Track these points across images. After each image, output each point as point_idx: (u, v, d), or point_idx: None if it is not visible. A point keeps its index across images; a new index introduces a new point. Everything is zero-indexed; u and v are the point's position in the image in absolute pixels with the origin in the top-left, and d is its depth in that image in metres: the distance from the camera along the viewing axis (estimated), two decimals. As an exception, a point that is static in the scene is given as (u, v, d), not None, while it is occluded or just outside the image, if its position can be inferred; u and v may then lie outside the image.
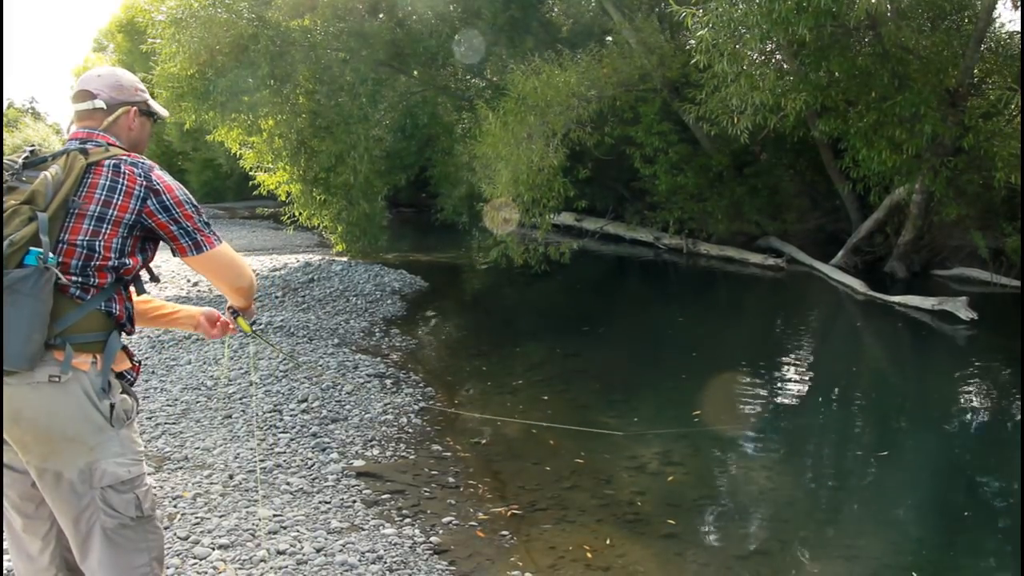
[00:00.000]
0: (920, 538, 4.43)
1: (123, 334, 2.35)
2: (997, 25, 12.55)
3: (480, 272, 15.18)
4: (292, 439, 5.50)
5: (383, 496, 4.66)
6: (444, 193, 18.64)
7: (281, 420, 5.87)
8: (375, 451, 5.40)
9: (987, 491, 5.38)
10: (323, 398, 6.37)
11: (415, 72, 16.50)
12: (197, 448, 5.28)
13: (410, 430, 5.90)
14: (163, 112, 2.65)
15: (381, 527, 4.21)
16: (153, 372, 7.21)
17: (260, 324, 8.89)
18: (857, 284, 12.20)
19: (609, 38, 15.97)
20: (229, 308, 2.78)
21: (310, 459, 5.16)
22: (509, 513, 4.55)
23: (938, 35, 11.78)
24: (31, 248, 2.07)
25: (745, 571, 4.01)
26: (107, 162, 2.27)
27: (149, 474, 4.55)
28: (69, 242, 2.18)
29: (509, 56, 15.68)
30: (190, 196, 2.39)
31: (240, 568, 3.66)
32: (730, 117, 11.57)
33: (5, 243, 2.04)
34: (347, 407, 6.25)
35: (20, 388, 2.10)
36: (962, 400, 7.44)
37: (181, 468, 4.93)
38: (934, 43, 11.68)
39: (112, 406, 2.23)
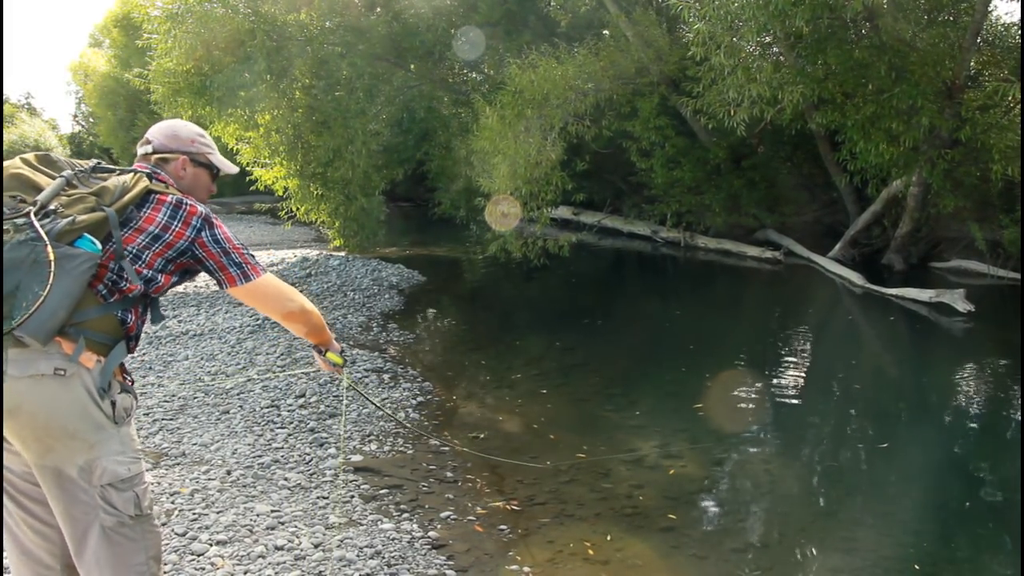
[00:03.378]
0: (919, 531, 4.43)
1: (127, 350, 2.36)
2: (994, 17, 12.54)
3: (478, 266, 15.17)
4: (290, 434, 5.49)
5: (381, 491, 4.66)
6: (442, 187, 18.61)
7: (279, 415, 5.86)
8: (373, 446, 5.40)
9: (986, 483, 5.38)
10: (320, 393, 6.36)
11: (412, 66, 16.46)
12: (195, 444, 5.28)
13: (408, 424, 5.89)
14: (228, 168, 2.77)
15: (379, 522, 4.21)
16: (151, 368, 7.20)
17: (257, 320, 8.88)
18: (855, 276, 12.21)
19: (606, 32, 15.92)
20: (312, 346, 2.84)
21: (308, 454, 5.16)
22: (507, 507, 4.55)
23: (935, 27, 11.77)
24: (85, 234, 2.16)
25: (744, 564, 4.01)
26: (171, 197, 2.40)
27: (147, 470, 4.55)
28: (121, 244, 2.28)
29: (506, 50, 15.65)
30: (240, 240, 2.53)
31: (238, 564, 3.66)
32: (727, 110, 11.57)
33: (66, 219, 2.13)
34: (345, 402, 6.25)
35: (21, 381, 2.13)
36: (960, 393, 7.45)
37: (179, 464, 4.92)
38: (931, 36, 11.67)
39: (113, 404, 2.27)
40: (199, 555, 3.71)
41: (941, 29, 11.61)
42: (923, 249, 13.76)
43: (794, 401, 7.07)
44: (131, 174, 2.39)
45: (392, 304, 10.82)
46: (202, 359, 7.51)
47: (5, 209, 2.12)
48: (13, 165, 2.27)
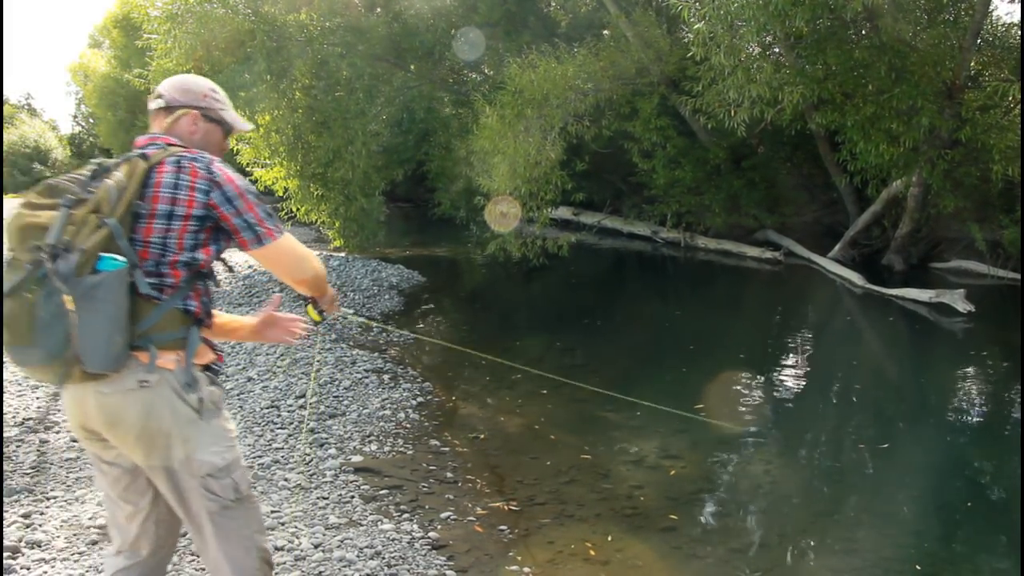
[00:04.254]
0: (919, 531, 4.43)
1: (203, 328, 2.40)
2: (994, 17, 12.55)
3: (478, 266, 15.17)
4: (290, 435, 5.49)
5: (381, 491, 4.66)
6: (442, 188, 18.61)
7: (279, 416, 5.86)
8: (373, 446, 5.39)
9: (986, 483, 5.38)
10: (321, 393, 6.36)
11: (412, 67, 16.47)
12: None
13: (408, 425, 5.89)
14: (240, 125, 2.67)
15: (379, 522, 4.21)
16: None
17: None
18: (855, 277, 12.21)
19: (606, 32, 15.93)
20: (300, 297, 2.76)
21: (308, 455, 5.16)
22: (507, 508, 4.55)
23: (935, 28, 11.78)
24: (102, 254, 2.14)
25: (744, 564, 4.01)
26: (168, 160, 2.31)
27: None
28: (143, 242, 2.25)
29: (506, 50, 15.66)
30: (251, 187, 2.41)
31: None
32: (727, 110, 11.58)
33: (76, 252, 2.10)
34: (345, 402, 6.25)
35: (113, 396, 2.23)
36: (960, 393, 7.45)
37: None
38: (931, 36, 11.69)
39: (200, 399, 2.33)
40: (198, 555, 3.70)
41: (941, 29, 11.62)
42: (923, 249, 13.76)
43: (794, 401, 7.06)
44: (126, 163, 2.30)
45: (392, 304, 10.82)
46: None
47: (27, 265, 2.12)
48: (19, 216, 2.22)
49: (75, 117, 50.16)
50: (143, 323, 2.21)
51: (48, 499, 4.31)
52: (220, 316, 2.66)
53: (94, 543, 3.80)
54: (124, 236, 2.19)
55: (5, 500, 4.22)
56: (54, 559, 3.63)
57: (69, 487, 4.50)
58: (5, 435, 5.19)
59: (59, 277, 2.07)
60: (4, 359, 2.15)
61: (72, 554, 3.68)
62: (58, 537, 3.84)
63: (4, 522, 3.92)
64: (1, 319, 2.11)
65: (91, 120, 46.34)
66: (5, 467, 4.69)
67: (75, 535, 3.88)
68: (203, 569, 3.61)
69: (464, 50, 16.30)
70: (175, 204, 2.27)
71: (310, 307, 2.77)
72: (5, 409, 5.69)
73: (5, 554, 3.61)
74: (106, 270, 2.12)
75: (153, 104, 2.53)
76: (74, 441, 5.18)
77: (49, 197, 2.23)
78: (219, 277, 2.51)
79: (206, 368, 2.44)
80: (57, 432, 5.37)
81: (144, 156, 2.32)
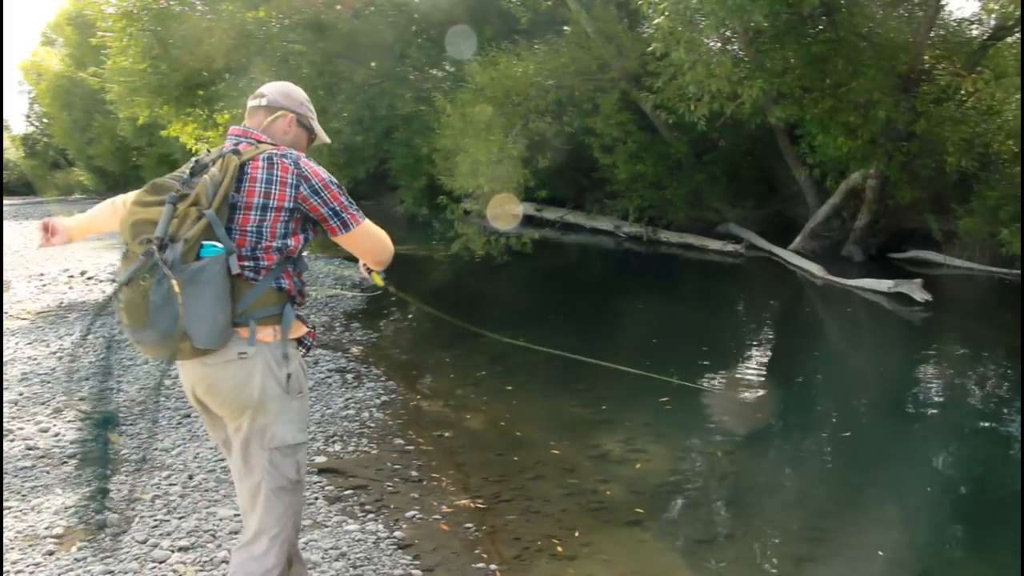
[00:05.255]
0: (880, 517, 4.48)
1: (295, 305, 2.66)
2: (946, 12, 12.74)
3: (442, 264, 15.12)
4: (253, 437, 5.42)
5: (346, 492, 4.62)
6: (404, 185, 18.52)
7: (241, 418, 5.78)
8: (337, 447, 5.35)
9: (946, 469, 5.47)
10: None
11: (373, 64, 16.35)
12: (156, 449, 5.19)
13: (372, 424, 5.85)
14: (323, 136, 2.94)
15: (344, 523, 4.17)
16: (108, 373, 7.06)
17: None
18: (815, 268, 12.35)
19: (567, 28, 15.94)
20: (365, 266, 3.05)
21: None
22: (473, 505, 4.54)
23: (890, 22, 11.94)
24: (203, 242, 2.40)
25: (710, 556, 4.03)
26: (261, 156, 2.57)
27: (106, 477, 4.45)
28: (240, 230, 2.51)
29: (468, 47, 15.60)
30: (333, 178, 2.67)
31: (200, 570, 3.61)
32: (688, 105, 11.65)
33: (180, 242, 2.36)
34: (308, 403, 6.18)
35: (215, 367, 2.51)
36: (920, 380, 7.56)
37: (139, 470, 4.83)
38: (887, 30, 11.85)
39: (289, 376, 2.58)
40: (161, 562, 3.65)
41: (895, 24, 11.78)
42: (881, 240, 13.95)
43: (756, 393, 7.12)
44: (220, 159, 2.54)
45: (355, 303, 10.74)
46: (161, 362, 7.38)
47: (140, 256, 2.37)
48: (132, 213, 2.48)
49: (28, 117, 49.25)
50: (242, 302, 2.49)
51: (3, 510, 4.21)
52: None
53: (50, 553, 3.73)
54: (221, 225, 2.44)
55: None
56: (7, 571, 3.55)
57: (24, 496, 4.41)
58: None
59: (167, 265, 2.33)
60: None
61: (28, 565, 3.60)
62: (12, 549, 3.76)
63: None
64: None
65: (45, 120, 45.52)
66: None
67: (30, 546, 3.79)
68: (164, 575, 3.56)
69: (426, 47, 16.22)
70: (268, 197, 2.54)
71: (375, 274, 3.05)
72: (-42, 417, 5.56)
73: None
74: (207, 256, 2.40)
75: (254, 102, 2.78)
76: (29, 450, 5.08)
77: (155, 194, 2.50)
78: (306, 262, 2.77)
79: (299, 342, 2.70)
80: (12, 440, 5.26)
81: (236, 152, 2.57)
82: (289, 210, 2.56)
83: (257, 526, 2.60)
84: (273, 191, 2.54)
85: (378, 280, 3.07)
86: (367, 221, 2.73)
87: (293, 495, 2.65)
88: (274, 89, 2.81)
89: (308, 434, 2.71)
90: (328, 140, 3.03)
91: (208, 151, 2.69)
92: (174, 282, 2.31)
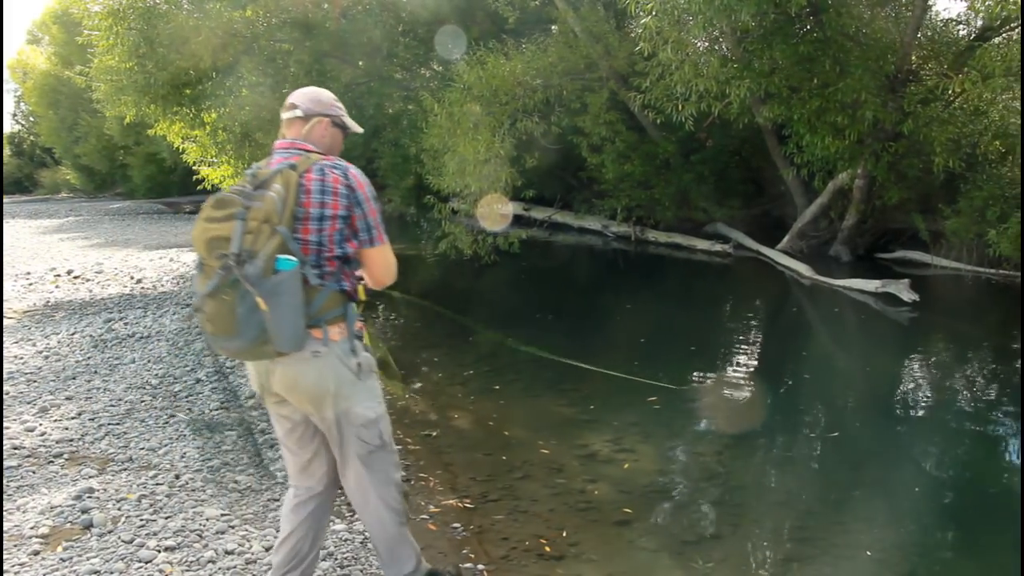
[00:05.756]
0: (868, 517, 4.49)
1: (356, 303, 2.93)
2: (933, 12, 12.80)
3: (429, 263, 15.10)
4: (239, 436, 5.41)
5: (334, 492, 4.59)
6: (392, 184, 18.49)
7: (228, 417, 5.77)
8: (325, 447, 5.32)
9: (933, 469, 5.49)
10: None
11: (360, 63, 16.31)
12: (142, 448, 5.17)
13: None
14: (355, 128, 3.15)
15: (331, 523, 4.15)
16: (96, 372, 7.04)
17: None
18: (803, 268, 12.39)
19: (555, 27, 15.94)
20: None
21: (258, 456, 5.08)
22: (461, 505, 4.53)
23: (877, 22, 11.98)
24: (279, 256, 2.61)
25: (698, 556, 4.03)
26: (314, 168, 2.80)
27: (92, 477, 4.46)
28: (303, 240, 2.74)
29: (455, 46, 15.58)
30: (375, 192, 2.94)
31: (187, 570, 3.59)
32: (675, 104, 11.66)
33: (260, 258, 2.58)
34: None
35: (293, 365, 2.78)
36: (907, 379, 7.59)
37: (125, 470, 4.81)
38: (874, 30, 11.89)
39: (359, 364, 2.88)
40: (147, 562, 3.62)
41: (883, 24, 11.82)
42: (869, 240, 14.00)
43: (744, 393, 7.13)
44: (279, 175, 2.72)
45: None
46: (149, 362, 7.37)
47: (220, 271, 2.59)
48: (204, 230, 2.67)
49: (15, 115, 48.94)
50: (313, 306, 2.74)
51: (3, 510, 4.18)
52: None
53: (36, 553, 3.70)
54: (293, 240, 2.67)
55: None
56: (-6, 571, 3.52)
57: (9, 495, 4.38)
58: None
59: (248, 280, 2.56)
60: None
61: (13, 565, 3.58)
62: (-2, 548, 3.73)
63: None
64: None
65: (31, 119, 45.25)
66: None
67: (16, 546, 3.77)
68: (150, 575, 3.54)
69: (413, 46, 16.19)
70: (324, 207, 2.77)
71: (361, 287, 3.10)
72: (-58, 417, 5.52)
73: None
74: (284, 269, 2.62)
75: (288, 114, 3.00)
76: (15, 449, 5.05)
77: (221, 209, 2.68)
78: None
79: (358, 336, 2.93)
80: (-3, 439, 5.22)
81: (292, 167, 2.77)
82: (343, 218, 2.80)
83: (366, 487, 3.02)
84: (327, 201, 2.77)
85: (363, 295, 3.18)
86: (387, 244, 2.96)
87: (382, 455, 3.02)
88: (304, 97, 3.02)
89: (383, 405, 3.05)
90: (360, 129, 3.22)
91: (257, 164, 2.89)
92: (259, 298, 2.57)
